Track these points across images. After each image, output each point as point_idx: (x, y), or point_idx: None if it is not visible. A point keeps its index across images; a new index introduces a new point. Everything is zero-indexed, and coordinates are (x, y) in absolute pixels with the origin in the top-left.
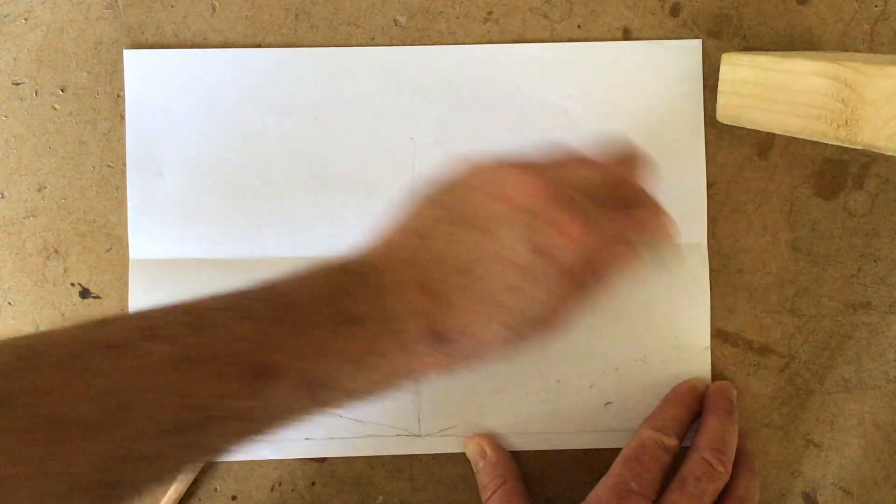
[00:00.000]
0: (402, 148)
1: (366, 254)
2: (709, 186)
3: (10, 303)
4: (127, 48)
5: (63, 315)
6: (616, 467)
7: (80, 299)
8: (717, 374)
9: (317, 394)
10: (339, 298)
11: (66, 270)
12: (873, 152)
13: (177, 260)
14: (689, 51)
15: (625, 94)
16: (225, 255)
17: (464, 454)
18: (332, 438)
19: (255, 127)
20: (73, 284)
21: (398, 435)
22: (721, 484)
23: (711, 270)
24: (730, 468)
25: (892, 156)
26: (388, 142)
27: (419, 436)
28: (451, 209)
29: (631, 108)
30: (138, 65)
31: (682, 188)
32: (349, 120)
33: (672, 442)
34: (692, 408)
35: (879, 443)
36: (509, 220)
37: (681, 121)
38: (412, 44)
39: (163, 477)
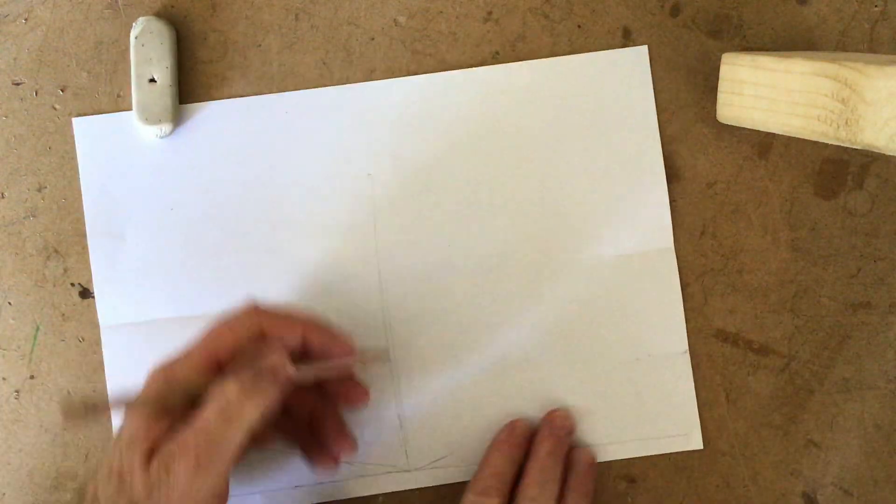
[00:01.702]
0: (360, 185)
1: None
2: (709, 186)
3: (10, 303)
4: (75, 116)
5: (63, 315)
6: None
7: (80, 299)
8: (716, 375)
9: None
10: None
11: (66, 270)
12: (873, 152)
13: (147, 322)
14: (636, 58)
15: (576, 108)
16: (194, 313)
17: (458, 484)
18: (322, 484)
19: (211, 179)
20: (73, 284)
21: (388, 472)
22: None
23: (711, 271)
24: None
25: (892, 156)
26: (346, 180)
27: (409, 471)
28: None
29: (584, 121)
30: (87, 131)
31: (643, 196)
32: (305, 162)
33: (493, 500)
34: (514, 455)
35: (879, 443)
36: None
37: (635, 129)
38: (412, 43)
39: None
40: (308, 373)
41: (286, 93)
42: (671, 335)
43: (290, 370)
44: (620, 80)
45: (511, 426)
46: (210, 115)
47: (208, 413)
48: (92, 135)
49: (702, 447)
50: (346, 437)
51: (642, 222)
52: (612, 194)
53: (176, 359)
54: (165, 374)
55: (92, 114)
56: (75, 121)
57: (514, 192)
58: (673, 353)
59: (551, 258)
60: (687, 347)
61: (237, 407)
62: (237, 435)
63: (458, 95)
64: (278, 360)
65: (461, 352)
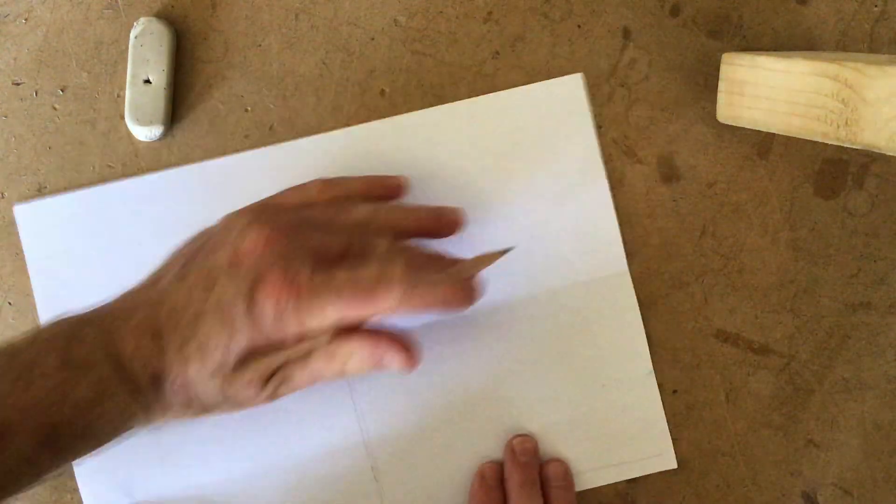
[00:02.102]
0: None
1: (107, 303)
2: (709, 186)
3: (10, 303)
4: (18, 202)
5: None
6: None
7: None
8: (716, 375)
9: (56, 444)
10: (66, 346)
11: None
12: (873, 152)
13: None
14: (573, 87)
15: (518, 143)
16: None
17: None
18: None
19: (158, 254)
20: None
21: None
22: None
23: (711, 271)
24: None
25: (892, 156)
26: None
27: None
28: (191, 259)
29: (527, 155)
30: (30, 218)
31: (592, 221)
32: None
33: None
34: (494, 499)
35: (879, 443)
36: (230, 272)
37: (576, 156)
38: (412, 43)
39: None
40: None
41: (222, 158)
42: (634, 358)
43: (477, 291)
44: (559, 109)
45: (480, 475)
46: (146, 193)
47: (369, 273)
48: (34, 221)
49: (675, 466)
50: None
51: (595, 249)
52: (562, 225)
53: (332, 297)
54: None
55: (92, 114)
56: (17, 207)
57: (464, 235)
58: (638, 375)
59: (509, 295)
60: (651, 369)
61: (396, 293)
62: (385, 309)
63: (402, 141)
64: (471, 284)
65: (427, 395)
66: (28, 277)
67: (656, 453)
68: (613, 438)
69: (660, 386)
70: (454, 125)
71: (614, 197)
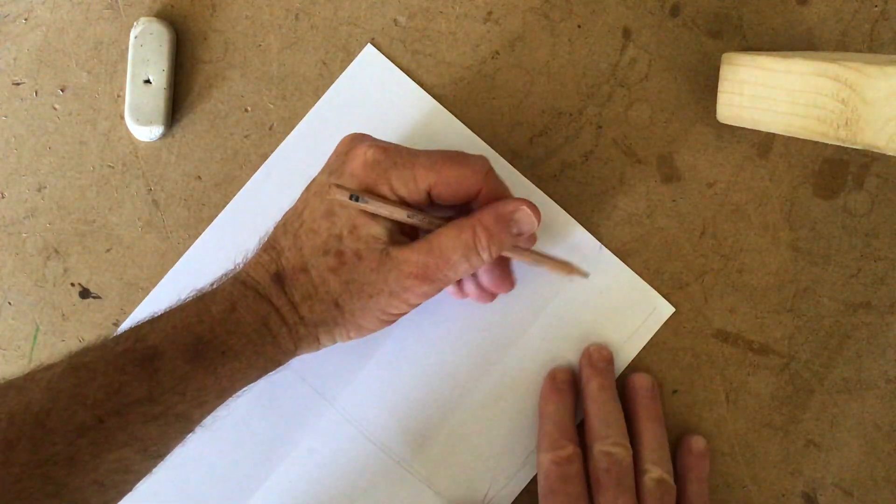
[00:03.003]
0: None
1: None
2: (709, 186)
3: (10, 303)
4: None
5: (63, 315)
6: None
7: (80, 299)
8: (716, 375)
9: (204, 358)
10: (199, 291)
11: (66, 270)
12: (873, 152)
13: None
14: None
15: None
16: None
17: None
18: None
19: None
20: (73, 284)
21: None
22: (626, 454)
23: (711, 271)
24: (625, 438)
25: (892, 156)
26: None
27: None
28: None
29: None
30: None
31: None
32: None
33: (568, 450)
34: (566, 402)
35: (879, 443)
36: (322, 170)
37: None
38: (412, 43)
39: (94, 482)
40: (533, 257)
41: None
42: (580, 245)
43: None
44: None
45: (551, 377)
46: None
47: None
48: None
49: (673, 311)
50: (508, 279)
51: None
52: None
53: (422, 161)
54: (403, 173)
55: (92, 114)
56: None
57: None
58: (592, 255)
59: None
60: (600, 244)
61: (477, 251)
62: (458, 273)
63: None
64: (529, 239)
65: (400, 371)
66: (28, 277)
67: (650, 310)
68: (608, 321)
69: (659, 386)
70: None
71: (614, 196)
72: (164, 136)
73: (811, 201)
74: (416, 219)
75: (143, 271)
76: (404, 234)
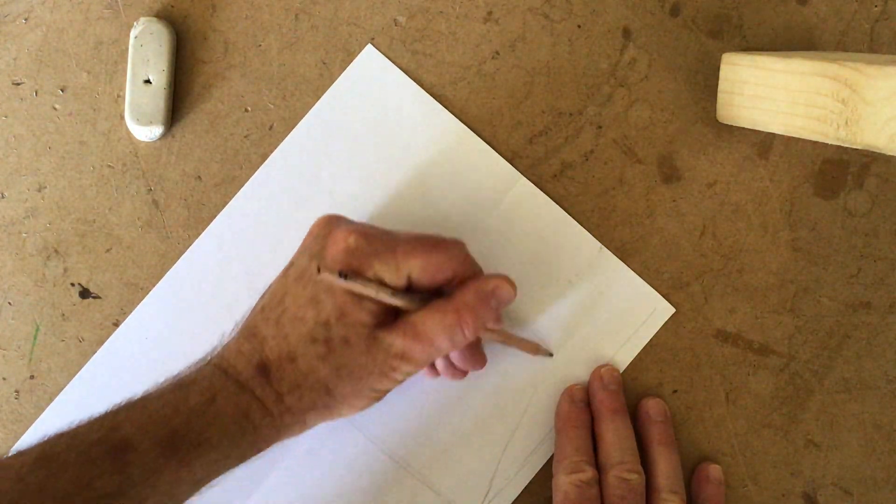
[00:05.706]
0: None
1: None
2: (709, 186)
3: (10, 303)
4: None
5: (63, 315)
6: None
7: (80, 299)
8: (716, 375)
9: (178, 451)
10: (176, 376)
11: (66, 270)
12: (873, 152)
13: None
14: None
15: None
16: None
17: None
18: None
19: None
20: (73, 284)
21: None
22: (641, 480)
23: (711, 271)
24: (639, 463)
25: (892, 156)
26: None
27: None
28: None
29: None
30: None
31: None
32: None
33: (588, 474)
34: (585, 422)
35: (879, 443)
36: (300, 253)
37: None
38: (412, 43)
39: None
40: (503, 336)
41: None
42: (580, 245)
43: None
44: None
45: (570, 395)
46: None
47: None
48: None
49: (674, 311)
50: (480, 357)
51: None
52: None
53: (402, 249)
54: (382, 255)
55: (92, 114)
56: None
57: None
58: (591, 255)
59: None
60: (600, 245)
61: (461, 331)
62: (448, 348)
63: None
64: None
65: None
66: (28, 277)
67: (650, 310)
68: (608, 322)
69: (660, 386)
70: None
71: (614, 196)
72: (164, 136)
73: (811, 201)
74: (399, 299)
75: (143, 271)
76: (386, 314)
